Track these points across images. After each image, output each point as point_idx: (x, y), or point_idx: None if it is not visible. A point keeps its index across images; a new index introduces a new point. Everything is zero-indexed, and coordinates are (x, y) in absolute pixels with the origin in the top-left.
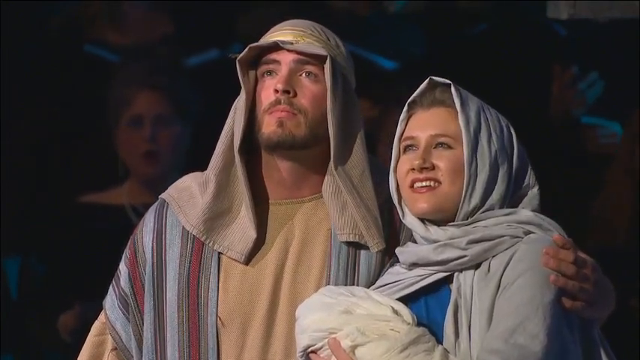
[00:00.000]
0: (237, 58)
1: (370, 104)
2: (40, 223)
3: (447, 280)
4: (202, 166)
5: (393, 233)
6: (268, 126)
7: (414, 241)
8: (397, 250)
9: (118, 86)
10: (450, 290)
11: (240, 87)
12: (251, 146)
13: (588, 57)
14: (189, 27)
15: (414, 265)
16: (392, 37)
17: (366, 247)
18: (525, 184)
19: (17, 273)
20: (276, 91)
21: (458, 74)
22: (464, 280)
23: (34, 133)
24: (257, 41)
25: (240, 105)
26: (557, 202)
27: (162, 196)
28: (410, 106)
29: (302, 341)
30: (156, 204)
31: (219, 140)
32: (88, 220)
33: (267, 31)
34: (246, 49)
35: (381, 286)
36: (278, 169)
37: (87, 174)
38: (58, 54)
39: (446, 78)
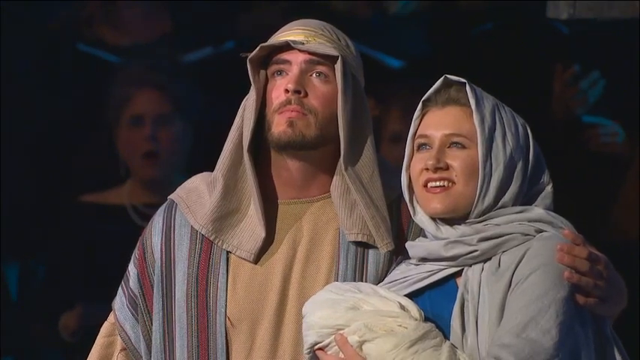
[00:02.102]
0: (249, 58)
1: (372, 103)
2: (41, 224)
3: (453, 275)
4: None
5: (400, 233)
6: (278, 125)
7: (425, 236)
8: (407, 245)
9: (117, 86)
10: (456, 284)
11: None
12: (259, 145)
13: (590, 56)
14: (187, 25)
15: (423, 260)
16: (394, 37)
17: (374, 247)
18: (540, 182)
19: (17, 273)
20: (287, 90)
21: (459, 73)
22: (472, 275)
23: (34, 134)
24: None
25: (249, 104)
26: (558, 201)
27: (171, 196)
28: (424, 103)
29: (309, 338)
30: (164, 205)
31: (227, 139)
32: (90, 220)
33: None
34: (258, 48)
35: (389, 283)
36: (287, 169)
37: (88, 174)
38: (57, 54)
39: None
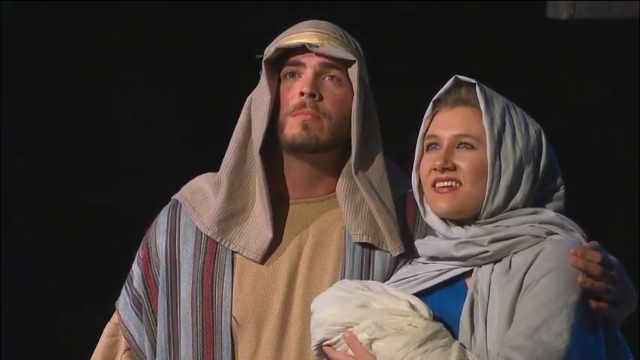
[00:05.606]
0: (264, 59)
1: None
2: (42, 224)
3: (462, 275)
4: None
5: (406, 233)
6: (292, 128)
7: (432, 235)
8: (417, 242)
9: (119, 86)
10: (465, 285)
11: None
12: (265, 146)
13: (590, 56)
14: (189, 26)
15: (433, 259)
16: (393, 37)
17: (380, 247)
18: (552, 184)
19: (17, 274)
20: (302, 93)
21: (458, 73)
22: (482, 276)
23: (34, 135)
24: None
25: (260, 105)
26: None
27: (175, 197)
28: (435, 104)
29: (317, 335)
30: (168, 205)
31: (232, 139)
32: (90, 221)
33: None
34: (273, 50)
35: (397, 281)
36: (296, 170)
37: (89, 175)
38: (58, 54)
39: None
